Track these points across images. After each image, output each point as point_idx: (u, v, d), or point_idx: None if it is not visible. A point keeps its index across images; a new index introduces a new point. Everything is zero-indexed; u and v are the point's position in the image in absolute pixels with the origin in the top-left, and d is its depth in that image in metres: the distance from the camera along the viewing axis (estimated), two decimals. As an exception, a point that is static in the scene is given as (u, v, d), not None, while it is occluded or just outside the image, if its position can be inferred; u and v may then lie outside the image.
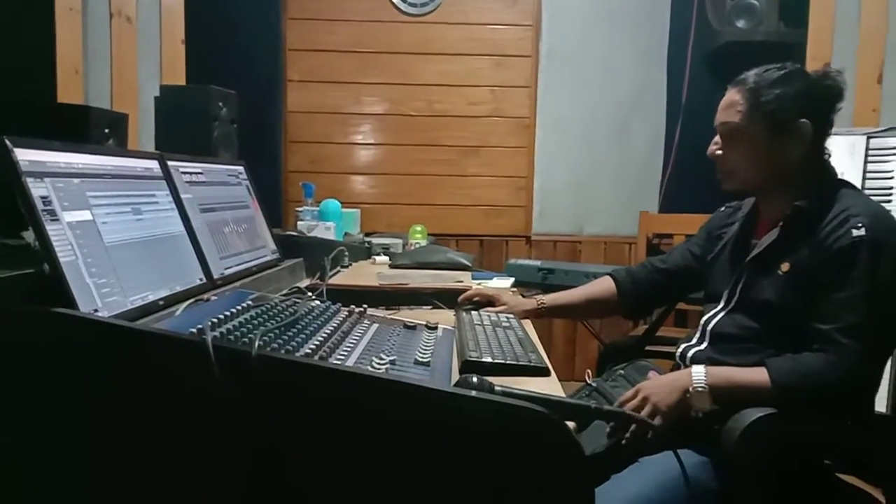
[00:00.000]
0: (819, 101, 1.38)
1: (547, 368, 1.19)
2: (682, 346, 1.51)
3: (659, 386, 1.30)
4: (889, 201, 2.54)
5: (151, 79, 3.00)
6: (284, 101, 3.53)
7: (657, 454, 1.25)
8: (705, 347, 1.45)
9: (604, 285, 1.75)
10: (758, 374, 1.26)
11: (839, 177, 1.43)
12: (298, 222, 2.63)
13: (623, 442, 1.20)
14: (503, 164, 3.63)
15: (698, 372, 1.29)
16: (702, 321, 1.50)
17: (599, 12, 3.53)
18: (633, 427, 1.21)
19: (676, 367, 1.50)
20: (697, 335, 1.49)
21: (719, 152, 1.44)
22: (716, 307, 1.48)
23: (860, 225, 1.26)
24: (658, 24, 3.53)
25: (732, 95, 1.42)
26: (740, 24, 3.04)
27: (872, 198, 2.46)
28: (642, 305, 1.80)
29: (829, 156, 1.43)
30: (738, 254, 1.49)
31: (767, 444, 1.17)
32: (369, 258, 2.44)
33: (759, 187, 1.45)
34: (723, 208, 1.64)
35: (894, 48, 2.80)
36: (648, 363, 1.54)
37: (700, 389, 1.26)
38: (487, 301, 1.70)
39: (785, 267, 1.35)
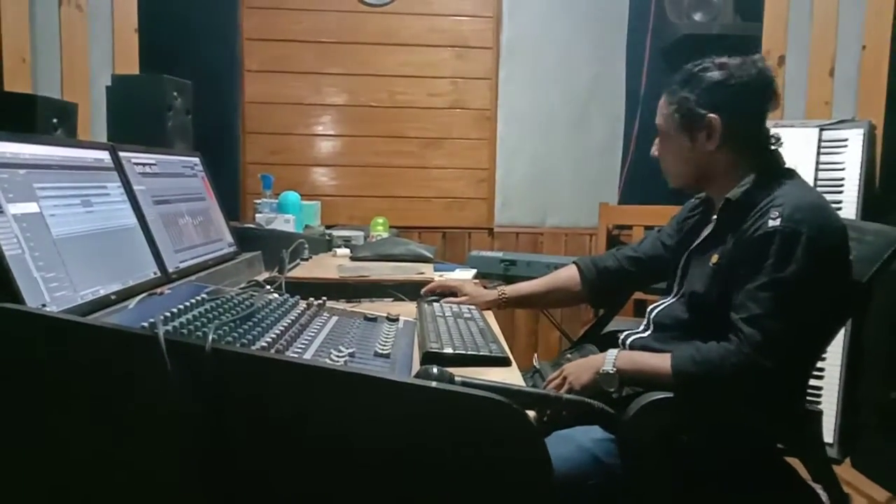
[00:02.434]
0: (733, 93, 1.37)
1: (507, 358, 1.19)
2: (626, 332, 1.54)
3: (577, 366, 1.36)
4: (840, 192, 2.61)
5: (103, 68, 2.91)
6: (242, 91, 3.46)
7: (568, 430, 1.29)
8: (648, 335, 1.48)
9: (567, 274, 1.76)
10: (662, 361, 1.29)
11: (787, 166, 1.42)
12: (257, 215, 2.59)
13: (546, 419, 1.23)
14: (465, 156, 3.62)
15: (611, 355, 1.33)
16: (648, 309, 1.53)
17: (559, 5, 3.54)
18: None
19: None
20: (644, 323, 1.52)
21: (656, 153, 1.50)
22: (662, 297, 1.52)
23: (776, 215, 1.25)
24: (617, 16, 3.56)
25: (662, 97, 1.48)
26: (697, 17, 3.09)
27: (823, 189, 2.55)
28: (608, 293, 1.81)
29: (776, 145, 1.42)
30: (688, 245, 1.52)
31: (658, 426, 1.21)
32: (330, 251, 2.41)
33: (694, 184, 1.49)
34: (694, 199, 1.65)
35: (846, 42, 2.87)
36: (594, 348, 1.56)
37: (609, 371, 1.30)
38: (450, 292, 1.71)
39: (714, 258, 1.37)
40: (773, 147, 1.42)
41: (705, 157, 1.40)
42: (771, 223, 1.24)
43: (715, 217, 1.44)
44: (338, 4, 3.44)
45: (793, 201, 1.27)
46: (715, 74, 1.38)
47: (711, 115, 1.37)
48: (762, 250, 1.24)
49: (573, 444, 1.26)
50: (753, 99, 1.38)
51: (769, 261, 1.23)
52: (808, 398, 1.50)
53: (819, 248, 1.23)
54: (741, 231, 1.30)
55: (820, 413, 1.46)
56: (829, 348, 1.66)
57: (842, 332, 2.18)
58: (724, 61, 1.40)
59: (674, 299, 1.48)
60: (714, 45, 2.92)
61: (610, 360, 1.32)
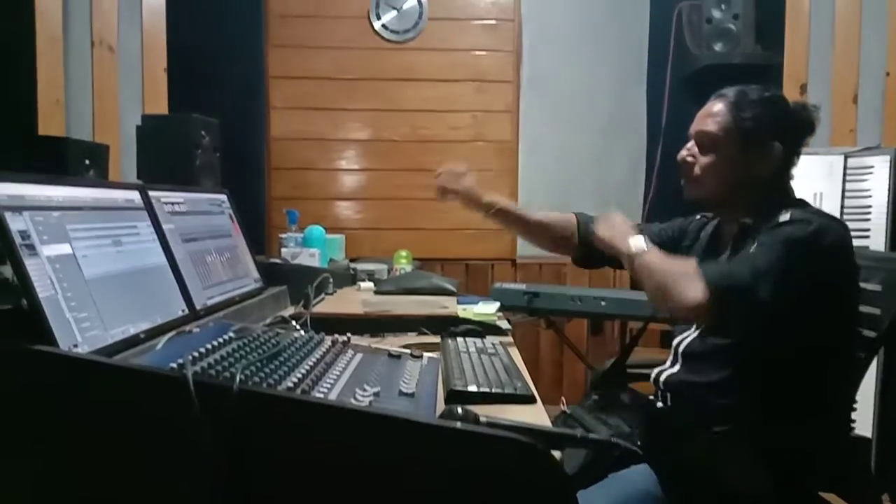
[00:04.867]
0: (794, 130, 1.42)
1: (533, 396, 1.19)
2: (657, 370, 1.52)
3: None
4: (868, 219, 2.57)
5: (133, 107, 2.99)
6: (267, 127, 3.53)
7: (625, 469, 1.27)
8: (678, 369, 1.46)
9: (565, 217, 1.80)
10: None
11: (797, 196, 1.46)
12: (282, 249, 2.62)
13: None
14: (486, 187, 3.55)
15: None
16: (674, 344, 1.51)
17: (579, 38, 3.58)
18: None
19: (655, 392, 1.51)
20: (671, 358, 1.50)
21: (690, 158, 1.47)
22: (687, 328, 1.50)
23: (786, 213, 1.32)
24: (637, 48, 3.59)
25: (713, 106, 1.46)
26: (718, 47, 3.09)
27: (850, 216, 2.52)
28: (595, 254, 1.77)
29: (793, 179, 1.47)
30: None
31: (728, 461, 1.20)
32: (354, 284, 2.43)
33: (720, 199, 1.47)
34: (698, 216, 1.65)
35: (868, 69, 2.86)
36: (620, 390, 1.55)
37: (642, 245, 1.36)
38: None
39: None
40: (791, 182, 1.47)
41: (750, 179, 1.41)
42: (782, 218, 1.31)
43: (730, 243, 1.44)
44: (359, 42, 3.51)
45: (799, 211, 1.34)
46: (784, 106, 1.43)
47: (777, 143, 1.39)
48: (772, 230, 1.30)
49: (635, 484, 1.25)
50: (804, 141, 1.44)
51: (778, 233, 1.29)
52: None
53: (822, 242, 1.28)
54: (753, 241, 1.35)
55: (868, 441, 1.44)
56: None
57: (874, 360, 2.13)
58: (783, 96, 1.47)
59: (700, 329, 1.46)
60: (735, 74, 2.92)
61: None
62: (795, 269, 1.26)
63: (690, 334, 1.48)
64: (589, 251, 1.73)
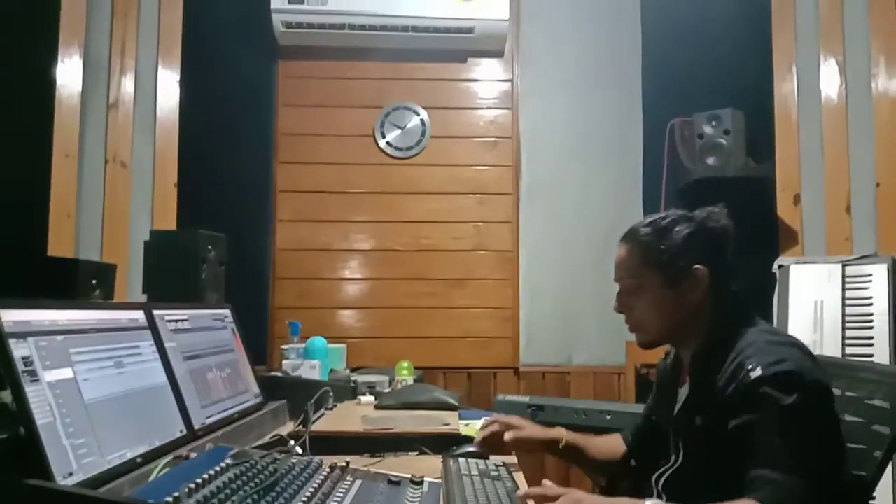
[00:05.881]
0: (708, 244, 1.38)
1: (535, 528, 1.15)
2: (656, 475, 1.46)
3: (595, 499, 1.23)
4: (871, 327, 2.56)
5: (143, 221, 3.07)
6: (273, 239, 3.60)
7: None
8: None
9: (616, 443, 1.71)
10: None
11: (745, 311, 1.39)
12: (283, 361, 2.60)
13: None
14: (489, 295, 3.66)
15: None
16: (654, 478, 1.45)
17: (575, 152, 3.70)
18: None
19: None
20: (654, 492, 1.44)
21: (622, 310, 1.45)
22: (666, 463, 1.44)
23: (753, 366, 1.21)
24: (632, 162, 3.69)
25: (621, 251, 1.44)
26: (710, 161, 3.17)
27: (852, 325, 2.51)
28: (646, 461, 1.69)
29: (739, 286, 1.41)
30: (669, 409, 1.47)
31: None
32: (354, 398, 2.40)
33: (670, 336, 1.45)
34: (661, 358, 1.63)
35: (859, 179, 2.94)
36: None
37: None
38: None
39: (699, 421, 1.33)
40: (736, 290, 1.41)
41: (688, 307, 1.38)
42: (753, 374, 1.20)
43: (688, 377, 1.41)
44: (364, 158, 3.63)
45: (759, 352, 1.24)
46: (690, 224, 1.38)
47: (698, 266, 1.36)
48: (754, 401, 1.19)
49: None
50: (724, 248, 1.39)
51: (766, 404, 1.18)
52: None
53: (805, 379, 1.19)
54: (719, 392, 1.26)
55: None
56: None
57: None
58: (690, 213, 1.41)
59: (677, 464, 1.40)
60: (729, 186, 2.97)
61: None
62: (813, 437, 1.18)
63: (669, 469, 1.42)
64: (639, 454, 1.67)
